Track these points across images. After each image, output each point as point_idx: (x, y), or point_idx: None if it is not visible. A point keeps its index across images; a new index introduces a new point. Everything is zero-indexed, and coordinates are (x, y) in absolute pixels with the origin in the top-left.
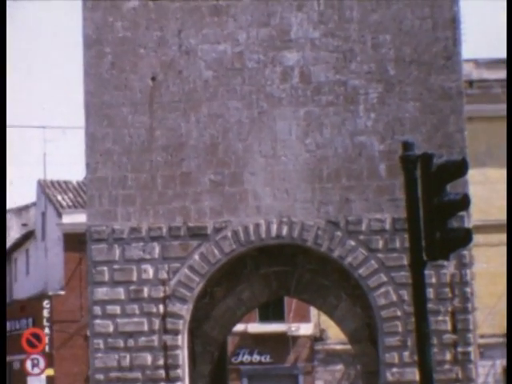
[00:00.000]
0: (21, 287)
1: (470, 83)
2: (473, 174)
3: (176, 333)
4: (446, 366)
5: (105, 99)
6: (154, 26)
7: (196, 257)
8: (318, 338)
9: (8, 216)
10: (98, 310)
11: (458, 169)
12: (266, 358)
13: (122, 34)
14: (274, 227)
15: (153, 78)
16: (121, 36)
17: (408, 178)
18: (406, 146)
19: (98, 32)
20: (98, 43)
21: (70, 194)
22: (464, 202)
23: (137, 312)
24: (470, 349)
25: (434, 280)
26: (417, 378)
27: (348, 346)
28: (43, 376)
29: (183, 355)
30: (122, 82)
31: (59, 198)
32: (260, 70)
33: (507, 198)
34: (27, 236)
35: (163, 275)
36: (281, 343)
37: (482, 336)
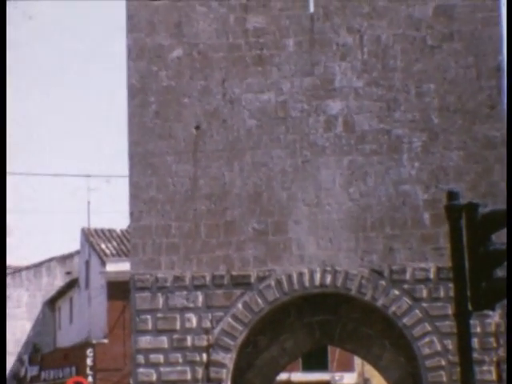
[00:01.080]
0: (64, 335)
1: None
2: None
3: (219, 382)
4: None
5: (149, 148)
6: (198, 75)
7: (239, 306)
8: None
9: (52, 264)
10: (141, 358)
11: (504, 219)
12: None
13: (166, 83)
14: (318, 276)
15: (197, 127)
16: (165, 85)
17: (453, 228)
18: (451, 195)
19: (142, 81)
20: (143, 92)
21: (114, 243)
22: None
23: (180, 361)
24: None
25: (478, 329)
26: None
27: None
28: None
29: None
30: (166, 131)
31: (103, 246)
32: (304, 118)
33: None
34: (71, 284)
35: (206, 324)
36: None
37: None
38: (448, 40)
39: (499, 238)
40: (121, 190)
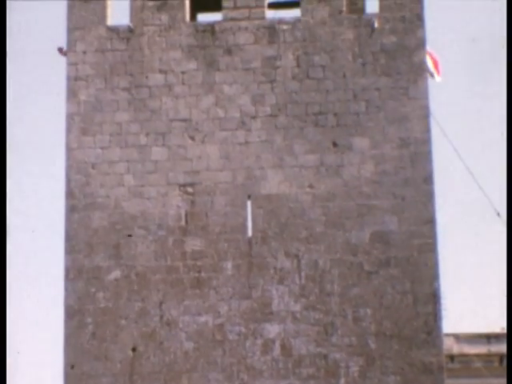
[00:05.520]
0: None
1: (451, 357)
2: None
3: None
4: None
5: (84, 370)
6: (136, 297)
7: None
8: None
9: None
10: None
11: None
12: None
13: (103, 304)
14: None
15: (133, 349)
16: (102, 306)
17: None
18: None
19: (79, 302)
20: (80, 313)
21: None
22: None
23: None
24: None
25: None
26: None
27: None
28: None
29: None
30: (102, 353)
31: None
32: (241, 342)
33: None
34: None
35: None
36: None
37: None
38: (385, 266)
39: None
40: None
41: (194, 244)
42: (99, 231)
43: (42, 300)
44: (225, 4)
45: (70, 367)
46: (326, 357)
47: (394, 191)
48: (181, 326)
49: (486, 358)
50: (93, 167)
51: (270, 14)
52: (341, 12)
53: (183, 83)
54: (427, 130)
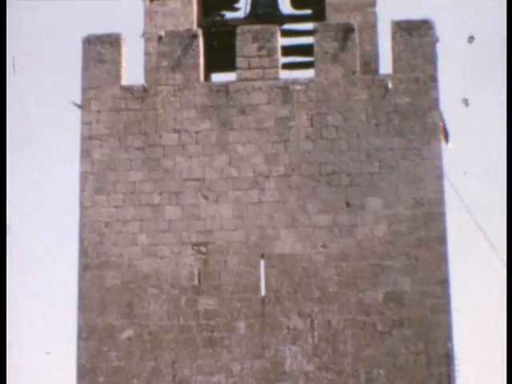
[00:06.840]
0: None
1: None
2: None
3: None
4: None
5: None
6: (148, 356)
7: None
8: None
9: None
10: None
11: None
12: None
13: (116, 363)
14: None
15: None
16: (115, 365)
17: None
18: None
19: (92, 362)
20: (92, 372)
21: None
22: None
23: None
24: None
25: None
26: None
27: None
28: None
29: None
30: None
31: None
32: None
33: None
34: None
35: None
36: None
37: None
38: (398, 326)
39: None
40: None
41: (206, 303)
42: (112, 290)
43: (54, 359)
44: (239, 64)
45: None
46: None
47: (408, 251)
48: None
49: None
50: (106, 226)
51: (284, 74)
52: (354, 73)
53: (197, 143)
54: (441, 190)
